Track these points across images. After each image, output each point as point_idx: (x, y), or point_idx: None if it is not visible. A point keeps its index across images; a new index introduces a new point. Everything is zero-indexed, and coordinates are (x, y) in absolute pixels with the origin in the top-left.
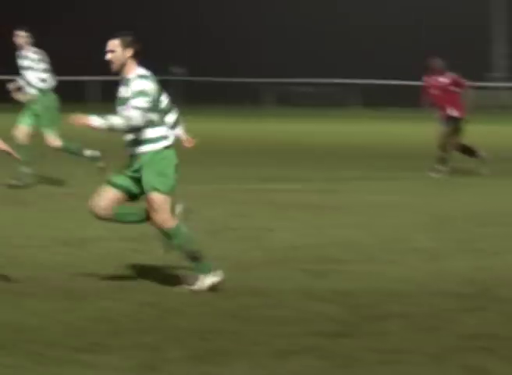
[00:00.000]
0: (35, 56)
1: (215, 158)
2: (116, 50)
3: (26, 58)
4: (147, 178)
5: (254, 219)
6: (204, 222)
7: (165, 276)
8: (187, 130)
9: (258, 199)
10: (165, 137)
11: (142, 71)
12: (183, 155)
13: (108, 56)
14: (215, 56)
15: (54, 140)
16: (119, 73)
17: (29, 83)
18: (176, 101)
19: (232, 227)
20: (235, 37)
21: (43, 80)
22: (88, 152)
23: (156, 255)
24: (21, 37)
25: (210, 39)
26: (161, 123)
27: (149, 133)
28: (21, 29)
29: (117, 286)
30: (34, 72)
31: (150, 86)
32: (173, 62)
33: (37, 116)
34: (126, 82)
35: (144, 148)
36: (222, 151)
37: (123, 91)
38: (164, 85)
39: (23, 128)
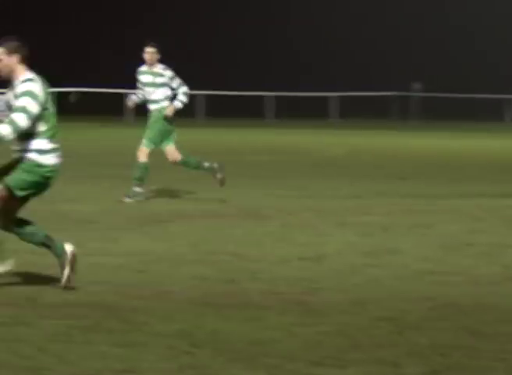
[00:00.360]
0: (166, 73)
1: (456, 173)
2: (2, 58)
3: (155, 74)
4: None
5: (491, 235)
6: (441, 237)
7: (399, 292)
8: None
9: (495, 215)
10: (48, 152)
11: (30, 75)
12: (423, 169)
13: None
14: (451, 71)
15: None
16: (9, 80)
17: (157, 101)
18: (413, 117)
19: (468, 243)
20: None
21: (169, 97)
22: (207, 164)
23: (394, 270)
24: (149, 53)
25: (446, 54)
26: (48, 135)
27: (35, 144)
28: (150, 45)
29: (354, 300)
30: (165, 88)
31: (37, 88)
32: (413, 79)
33: (168, 132)
34: (14, 87)
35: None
36: (461, 166)
37: (12, 97)
38: (404, 101)
39: (169, 148)
